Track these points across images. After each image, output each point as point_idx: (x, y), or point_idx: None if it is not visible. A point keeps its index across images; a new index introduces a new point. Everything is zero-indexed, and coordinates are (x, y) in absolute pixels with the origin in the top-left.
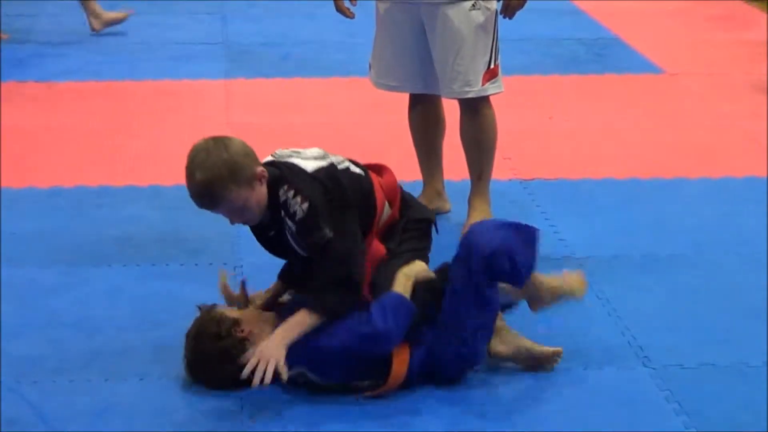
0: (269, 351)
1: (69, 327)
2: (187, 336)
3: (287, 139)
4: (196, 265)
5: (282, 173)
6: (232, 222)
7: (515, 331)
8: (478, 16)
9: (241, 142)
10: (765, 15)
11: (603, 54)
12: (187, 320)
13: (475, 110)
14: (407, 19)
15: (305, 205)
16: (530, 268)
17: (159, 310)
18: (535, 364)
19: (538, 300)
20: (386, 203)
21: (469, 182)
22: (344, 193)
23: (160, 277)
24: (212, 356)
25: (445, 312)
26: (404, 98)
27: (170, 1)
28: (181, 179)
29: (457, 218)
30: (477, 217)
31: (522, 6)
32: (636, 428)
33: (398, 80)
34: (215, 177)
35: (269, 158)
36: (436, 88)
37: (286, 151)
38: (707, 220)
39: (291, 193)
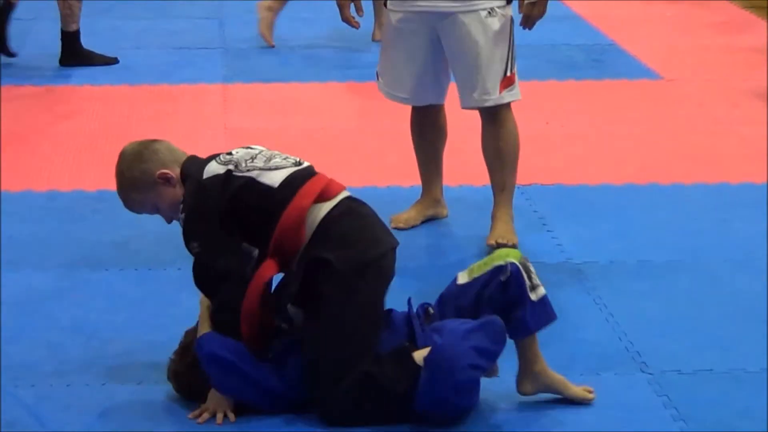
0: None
1: (66, 331)
2: (179, 345)
3: (284, 143)
4: None
5: (187, 175)
6: (168, 222)
7: (547, 369)
8: (494, 24)
9: (138, 150)
10: (763, 21)
11: (600, 59)
12: (184, 325)
13: (496, 119)
14: (421, 29)
15: (182, 216)
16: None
17: (156, 315)
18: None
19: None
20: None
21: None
22: (219, 205)
23: (158, 282)
24: (196, 368)
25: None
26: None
27: (168, 5)
28: None
29: (456, 224)
30: (500, 228)
31: (542, 16)
32: None
33: (408, 92)
34: (118, 190)
35: (225, 154)
36: (442, 98)
37: (241, 151)
38: (704, 225)
39: (180, 206)
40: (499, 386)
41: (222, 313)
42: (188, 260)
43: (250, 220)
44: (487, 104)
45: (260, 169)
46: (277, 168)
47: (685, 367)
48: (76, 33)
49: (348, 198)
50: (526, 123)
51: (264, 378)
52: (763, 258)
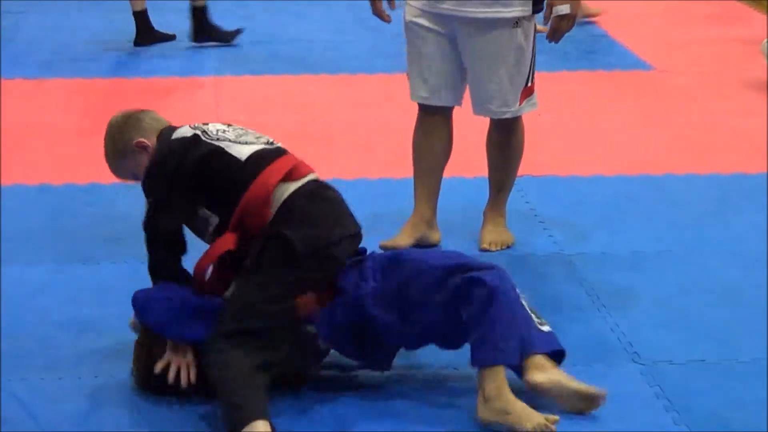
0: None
1: (58, 325)
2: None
3: (276, 135)
4: (184, 262)
5: (158, 139)
6: None
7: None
8: (520, 36)
9: (121, 120)
10: (756, 12)
11: (593, 51)
12: None
13: (509, 127)
14: (439, 29)
15: (145, 169)
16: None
17: None
18: (575, 405)
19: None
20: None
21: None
22: (181, 166)
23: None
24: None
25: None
26: (394, 95)
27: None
28: None
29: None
30: (492, 229)
31: (570, 29)
32: (625, 425)
33: (428, 91)
34: (105, 156)
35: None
36: (459, 101)
37: (217, 124)
38: (696, 216)
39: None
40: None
41: (154, 272)
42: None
43: (214, 188)
44: (506, 116)
45: (230, 140)
46: (246, 143)
47: (677, 358)
48: (204, 8)
49: (315, 180)
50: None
51: (203, 301)
52: (754, 248)
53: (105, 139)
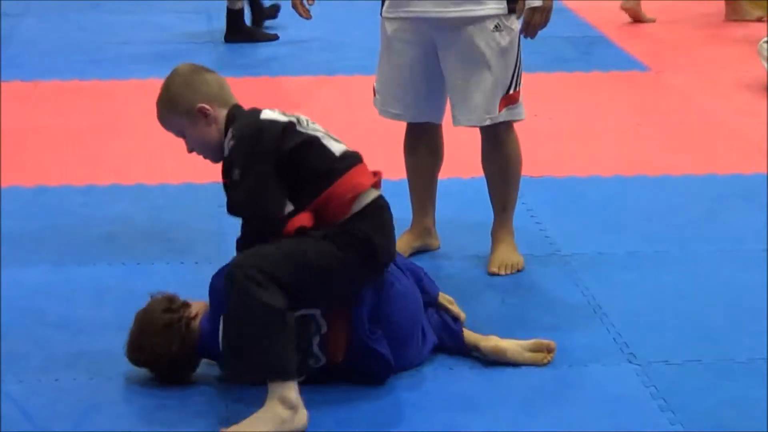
0: None
1: (54, 326)
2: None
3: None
4: (182, 263)
5: (236, 116)
6: (189, 151)
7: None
8: (502, 38)
9: (189, 74)
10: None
11: (589, 52)
12: None
13: (498, 139)
14: (417, 40)
15: (231, 143)
16: None
17: None
18: (530, 358)
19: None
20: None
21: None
22: (279, 149)
23: (146, 276)
24: (156, 326)
25: None
26: None
27: (156, 1)
28: (167, 178)
29: (445, 254)
30: (502, 250)
31: (545, 24)
32: (621, 425)
33: (401, 107)
34: (158, 100)
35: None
36: (439, 117)
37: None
38: (692, 217)
39: (230, 134)
40: (483, 383)
41: (245, 243)
42: (177, 255)
43: (304, 176)
44: (485, 123)
45: (323, 133)
46: (336, 140)
47: (673, 358)
48: (240, 11)
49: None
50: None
51: None
52: (751, 249)
53: (166, 86)
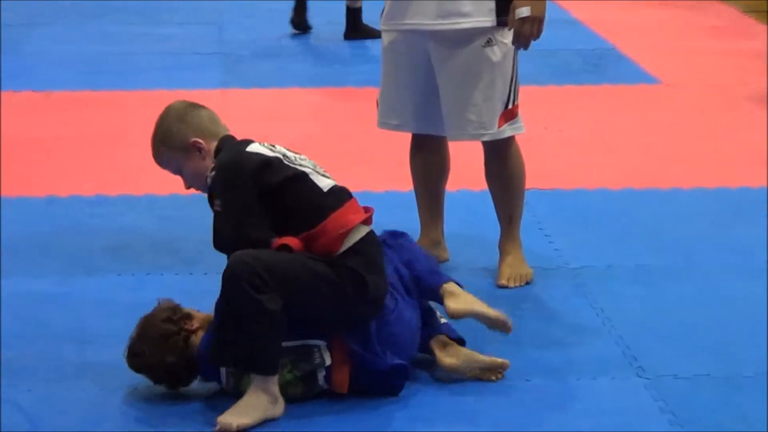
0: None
1: (63, 336)
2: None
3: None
4: (191, 274)
5: (222, 147)
6: (186, 187)
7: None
8: (494, 54)
9: (182, 110)
10: (761, 25)
11: (599, 64)
12: None
13: (500, 152)
14: (413, 51)
15: (212, 174)
16: None
17: None
18: (481, 375)
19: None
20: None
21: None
22: (266, 182)
23: (155, 287)
24: (153, 335)
25: None
26: None
27: (167, 11)
28: (177, 189)
29: (454, 266)
30: (510, 262)
31: (537, 35)
32: None
33: (399, 118)
34: (152, 137)
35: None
36: (441, 129)
37: (284, 148)
38: (702, 230)
39: (213, 165)
40: (490, 396)
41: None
42: (186, 266)
43: (289, 212)
44: (484, 138)
45: (311, 169)
46: (323, 175)
47: (682, 372)
48: (359, 10)
49: (373, 231)
50: (524, 127)
51: None
52: (760, 262)
53: (159, 124)
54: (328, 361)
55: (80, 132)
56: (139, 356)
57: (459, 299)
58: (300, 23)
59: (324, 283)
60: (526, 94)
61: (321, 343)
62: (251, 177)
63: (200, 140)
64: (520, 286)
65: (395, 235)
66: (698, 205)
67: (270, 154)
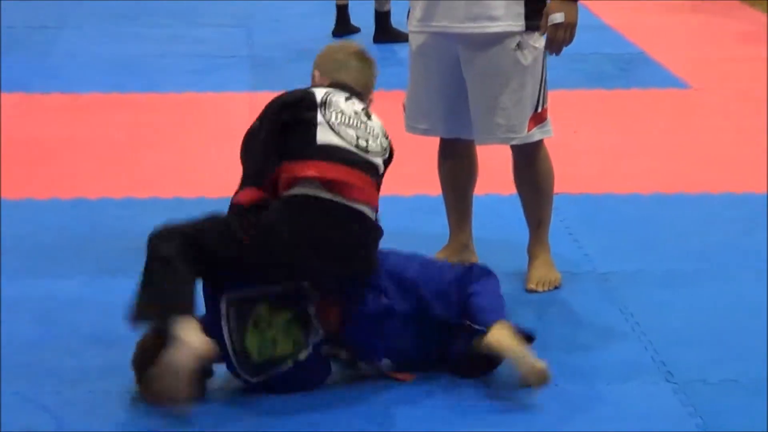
0: None
1: (89, 338)
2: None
3: None
4: None
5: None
6: None
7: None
8: (524, 57)
9: (341, 51)
10: None
11: (628, 69)
12: None
13: (529, 156)
14: (442, 54)
15: None
16: None
17: None
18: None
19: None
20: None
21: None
22: (279, 114)
23: None
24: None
25: None
26: None
27: (196, 14)
28: (205, 191)
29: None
30: (539, 266)
31: (570, 41)
32: None
33: (428, 122)
34: None
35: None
36: (470, 133)
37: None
38: (731, 235)
39: None
40: (516, 401)
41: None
42: None
43: (285, 149)
44: (513, 142)
45: (337, 122)
46: (338, 134)
47: (711, 377)
48: (388, 13)
49: (345, 206)
50: (554, 131)
51: None
52: None
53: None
54: (316, 297)
55: (109, 134)
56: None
57: (504, 335)
58: (342, 34)
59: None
60: (555, 98)
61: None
62: (275, 112)
63: (316, 73)
64: (549, 290)
65: (485, 272)
66: (727, 210)
67: (316, 97)
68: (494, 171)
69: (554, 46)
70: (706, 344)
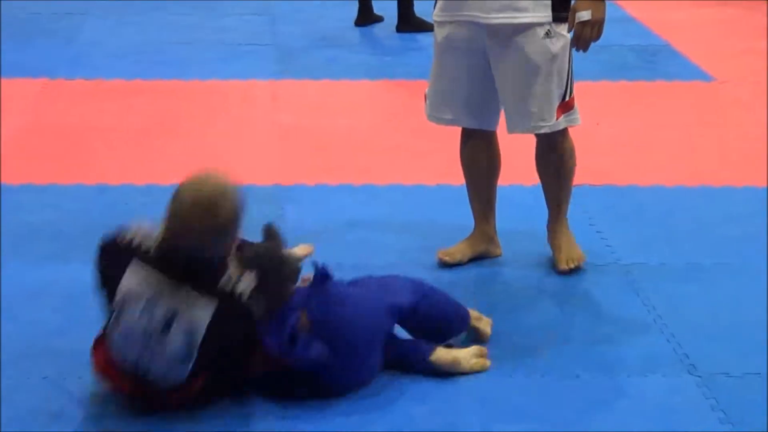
0: None
1: None
2: None
3: (333, 141)
4: None
5: None
6: None
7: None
8: (553, 45)
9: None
10: None
11: (653, 61)
12: None
13: (554, 144)
14: (467, 46)
15: None
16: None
17: None
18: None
19: None
20: None
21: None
22: None
23: None
24: None
25: None
26: None
27: (218, 2)
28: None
29: (505, 261)
30: (563, 247)
31: (598, 37)
32: None
33: (453, 113)
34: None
35: None
36: (493, 124)
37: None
38: (754, 228)
39: None
40: (538, 392)
41: None
42: None
43: None
44: (542, 131)
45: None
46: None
47: (734, 370)
48: (411, 3)
49: None
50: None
51: None
52: None
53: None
54: None
55: (133, 121)
56: None
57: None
58: (365, 23)
59: None
60: (578, 89)
61: None
62: None
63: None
64: (578, 266)
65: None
66: (750, 204)
67: None
68: (518, 161)
69: (581, 43)
70: (729, 337)
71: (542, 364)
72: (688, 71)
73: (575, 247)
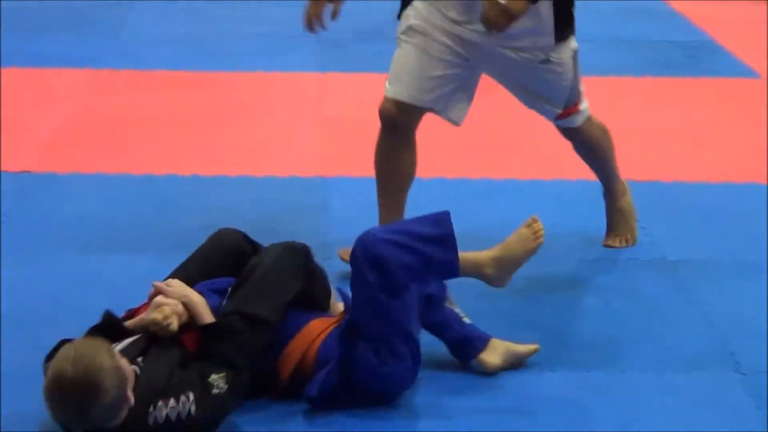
0: None
1: None
2: None
3: (374, 133)
4: None
5: None
6: None
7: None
8: (552, 70)
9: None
10: None
11: (698, 57)
12: None
13: (579, 135)
14: (474, 47)
15: None
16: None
17: None
18: (518, 366)
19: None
20: None
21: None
22: None
23: None
24: None
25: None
26: (497, 95)
27: None
28: (273, 170)
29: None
30: (617, 223)
31: (501, 25)
32: None
33: (433, 100)
34: None
35: None
36: (447, 111)
37: None
38: None
39: None
40: (585, 382)
41: None
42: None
43: None
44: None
45: None
46: None
47: None
48: None
49: None
50: (621, 118)
51: None
52: None
53: None
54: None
55: (178, 112)
56: None
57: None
58: None
59: None
60: (623, 84)
61: None
62: None
63: None
64: (625, 246)
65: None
66: None
67: None
68: (559, 156)
69: (484, 20)
70: None
71: (587, 359)
72: (734, 68)
73: (625, 226)
